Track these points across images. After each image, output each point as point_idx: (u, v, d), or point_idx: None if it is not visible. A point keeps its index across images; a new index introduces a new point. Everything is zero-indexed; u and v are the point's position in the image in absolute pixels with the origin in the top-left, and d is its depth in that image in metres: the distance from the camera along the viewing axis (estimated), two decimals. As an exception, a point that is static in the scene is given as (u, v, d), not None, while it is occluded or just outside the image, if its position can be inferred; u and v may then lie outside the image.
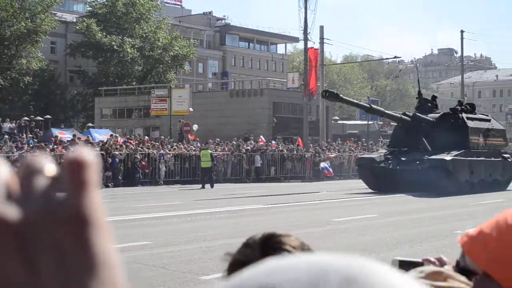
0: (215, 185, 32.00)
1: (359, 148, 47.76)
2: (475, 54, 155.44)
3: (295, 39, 77.35)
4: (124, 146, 34.37)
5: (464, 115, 30.17)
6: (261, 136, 44.72)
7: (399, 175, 27.19)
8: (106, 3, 63.73)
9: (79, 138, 34.94)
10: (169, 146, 37.77)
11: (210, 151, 34.04)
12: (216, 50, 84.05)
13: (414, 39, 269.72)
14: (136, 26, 63.32)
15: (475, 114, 31.81)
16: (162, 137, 43.74)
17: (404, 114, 31.43)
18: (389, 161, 28.61)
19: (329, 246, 12.65)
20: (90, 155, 0.60)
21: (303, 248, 1.61)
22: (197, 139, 42.16)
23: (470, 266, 1.65)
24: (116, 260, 0.60)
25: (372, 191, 28.20)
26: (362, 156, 33.94)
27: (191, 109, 47.79)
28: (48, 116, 50.25)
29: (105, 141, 35.27)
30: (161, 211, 19.47)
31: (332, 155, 42.70)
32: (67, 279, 0.56)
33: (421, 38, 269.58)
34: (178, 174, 36.13)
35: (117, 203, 22.55)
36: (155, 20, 65.18)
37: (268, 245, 1.59)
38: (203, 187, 31.58)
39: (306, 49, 48.51)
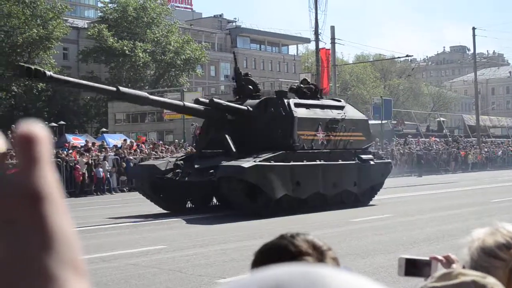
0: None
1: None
2: (487, 51, 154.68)
3: (306, 40, 77.08)
4: (138, 150, 34.41)
5: (292, 100, 20.99)
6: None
7: (187, 190, 19.99)
8: (117, 8, 63.87)
9: (93, 144, 35.00)
10: (184, 149, 37.76)
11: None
12: (227, 52, 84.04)
13: (425, 37, 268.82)
14: (148, 30, 63.41)
15: (320, 99, 22.84)
16: (176, 140, 43.78)
17: (196, 101, 21.44)
18: (178, 170, 19.75)
19: (347, 246, 12.55)
20: (40, 131, 0.58)
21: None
22: None
23: None
24: (73, 235, 0.58)
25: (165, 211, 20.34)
26: (143, 163, 25.19)
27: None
28: (62, 122, 50.41)
29: (119, 145, 35.33)
30: (176, 214, 19.41)
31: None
32: (23, 256, 0.54)
33: (433, 36, 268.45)
34: (192, 177, 36.05)
35: (133, 207, 22.54)
36: (166, 24, 65.25)
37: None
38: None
39: (317, 49, 48.36)
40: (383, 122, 52.66)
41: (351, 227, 15.86)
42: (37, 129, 0.58)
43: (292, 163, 19.76)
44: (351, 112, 23.20)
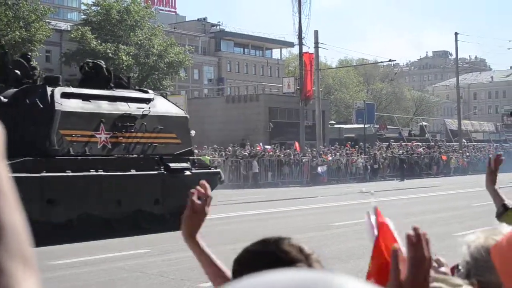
0: (213, 191, 31.62)
1: (356, 152, 47.71)
2: (469, 56, 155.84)
3: (290, 44, 77.25)
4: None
5: (59, 89, 15.94)
6: (261, 144, 44.51)
7: None
8: (100, 11, 63.68)
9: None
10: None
11: (208, 157, 33.95)
12: (211, 56, 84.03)
13: (408, 42, 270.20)
14: (131, 33, 63.26)
15: (114, 88, 17.28)
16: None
17: None
18: None
19: (329, 251, 12.57)
20: None
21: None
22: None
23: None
24: (23, 227, 0.57)
25: None
26: None
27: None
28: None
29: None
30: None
31: (330, 157, 42.61)
32: None
33: (416, 41, 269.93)
34: (175, 181, 35.96)
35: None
36: (150, 27, 65.14)
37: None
38: (200, 194, 31.27)
39: (301, 53, 48.46)
40: (366, 126, 52.91)
41: (333, 231, 15.89)
42: None
43: (44, 174, 14.74)
44: (161, 107, 18.18)
